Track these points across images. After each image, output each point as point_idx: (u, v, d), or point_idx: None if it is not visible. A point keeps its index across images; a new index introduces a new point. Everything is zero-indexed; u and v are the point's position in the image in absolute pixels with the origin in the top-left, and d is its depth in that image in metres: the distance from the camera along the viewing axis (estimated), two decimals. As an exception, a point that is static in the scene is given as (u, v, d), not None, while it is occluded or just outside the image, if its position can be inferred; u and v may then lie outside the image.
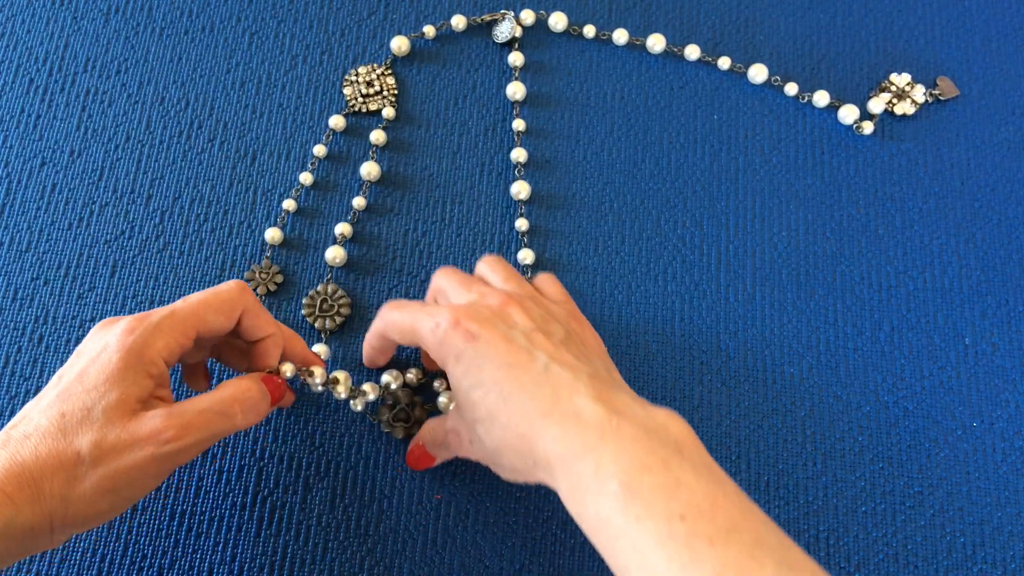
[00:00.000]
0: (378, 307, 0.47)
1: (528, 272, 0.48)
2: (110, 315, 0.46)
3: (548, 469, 0.32)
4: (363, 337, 0.46)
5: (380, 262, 0.48)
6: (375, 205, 0.49)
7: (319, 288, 0.47)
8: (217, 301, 0.36)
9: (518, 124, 0.51)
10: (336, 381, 0.41)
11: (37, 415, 0.32)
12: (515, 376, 0.33)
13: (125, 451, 0.32)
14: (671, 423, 0.32)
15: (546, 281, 0.43)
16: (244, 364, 0.40)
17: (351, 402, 0.42)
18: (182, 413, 0.33)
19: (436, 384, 0.45)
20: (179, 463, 0.34)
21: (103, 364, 0.33)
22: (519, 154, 0.50)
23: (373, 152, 0.50)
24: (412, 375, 0.44)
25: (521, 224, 0.49)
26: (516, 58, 0.52)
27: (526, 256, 0.47)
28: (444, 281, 0.40)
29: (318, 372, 0.40)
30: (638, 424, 0.31)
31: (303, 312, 0.46)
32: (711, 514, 0.28)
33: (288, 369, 0.39)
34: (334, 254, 0.47)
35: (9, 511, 0.30)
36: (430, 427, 0.40)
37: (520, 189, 0.49)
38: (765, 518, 0.30)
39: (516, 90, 0.51)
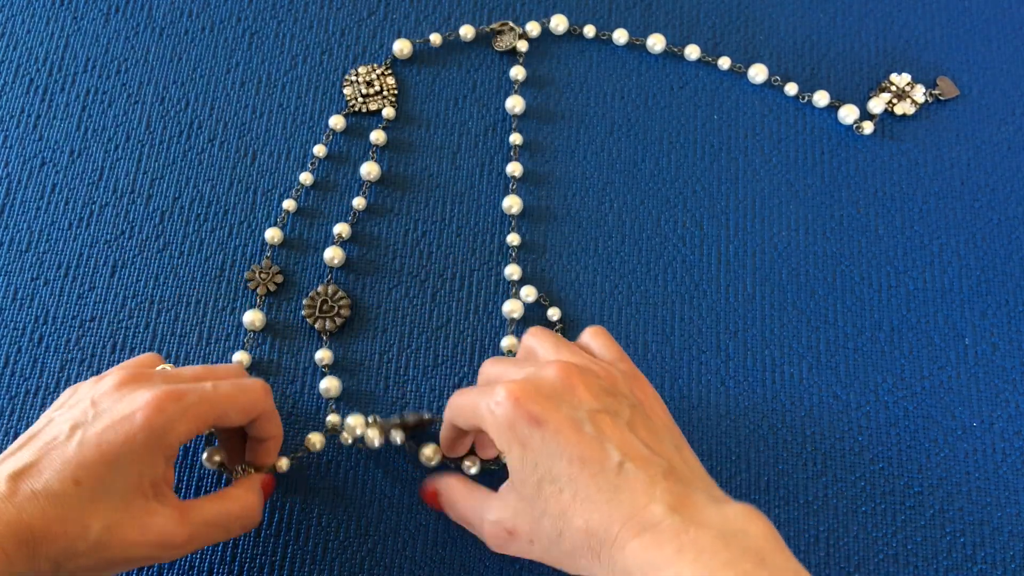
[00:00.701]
0: (378, 308, 0.47)
1: (515, 254, 0.48)
2: (110, 315, 0.46)
3: None
4: (362, 338, 0.46)
5: (380, 262, 0.48)
6: (375, 205, 0.49)
7: (319, 289, 0.47)
8: (242, 400, 0.36)
9: (515, 138, 0.50)
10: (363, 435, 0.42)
11: (49, 473, 0.31)
12: (591, 475, 0.31)
13: (130, 545, 0.32)
14: (751, 526, 0.30)
15: (597, 336, 0.39)
16: (238, 446, 0.41)
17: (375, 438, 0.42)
18: (191, 522, 0.34)
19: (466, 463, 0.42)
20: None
21: (126, 437, 0.32)
22: (515, 168, 0.49)
23: (373, 152, 0.50)
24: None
25: (513, 239, 0.49)
26: (518, 72, 0.52)
27: (513, 272, 0.47)
28: (494, 367, 0.38)
29: (284, 463, 0.41)
30: (716, 533, 0.30)
31: (303, 313, 0.46)
32: None
33: (284, 464, 0.41)
34: (332, 254, 0.47)
35: (3, 566, 0.29)
36: (462, 502, 0.37)
37: (512, 203, 0.48)
38: None
39: (515, 104, 0.51)
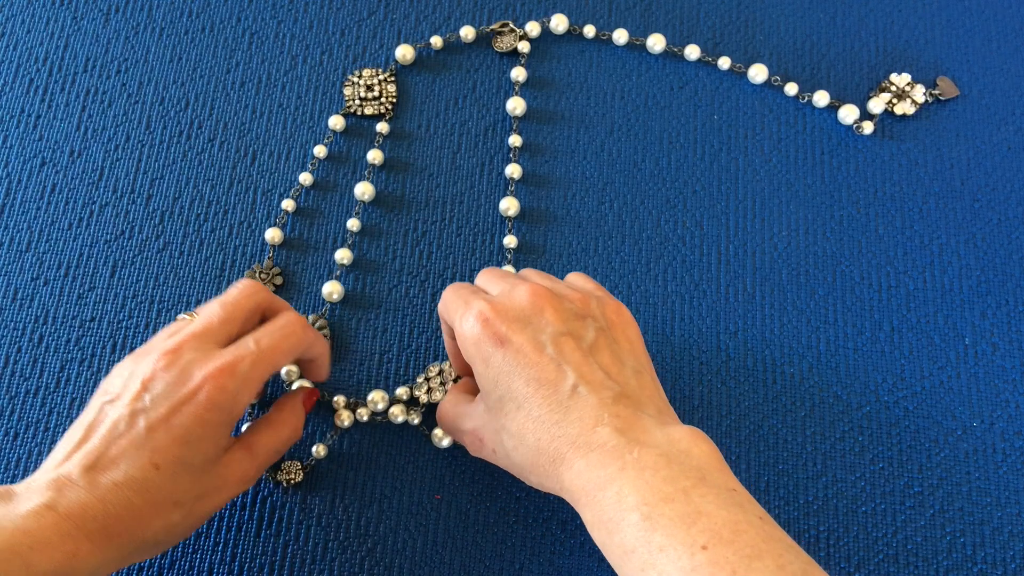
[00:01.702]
0: (378, 308, 0.47)
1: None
2: (110, 315, 0.46)
3: (573, 497, 0.32)
4: (363, 338, 0.47)
5: (380, 262, 0.48)
6: (375, 205, 0.49)
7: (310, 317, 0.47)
8: (286, 346, 0.37)
9: (515, 140, 0.50)
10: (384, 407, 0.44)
11: (125, 461, 0.32)
12: (544, 396, 0.33)
13: (215, 493, 0.35)
14: (694, 447, 0.31)
15: (578, 275, 0.41)
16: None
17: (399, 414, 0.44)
18: (257, 454, 0.37)
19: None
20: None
21: (196, 417, 0.33)
22: (513, 170, 0.49)
23: (369, 172, 0.50)
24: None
25: (510, 241, 0.49)
26: (519, 73, 0.52)
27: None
28: (482, 278, 0.39)
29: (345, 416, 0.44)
30: (659, 452, 0.31)
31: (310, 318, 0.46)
32: (733, 542, 0.28)
33: (323, 451, 0.43)
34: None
35: (97, 560, 0.30)
36: (449, 412, 0.40)
37: (509, 205, 0.48)
38: (790, 543, 0.29)
39: (516, 105, 0.51)
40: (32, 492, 0.31)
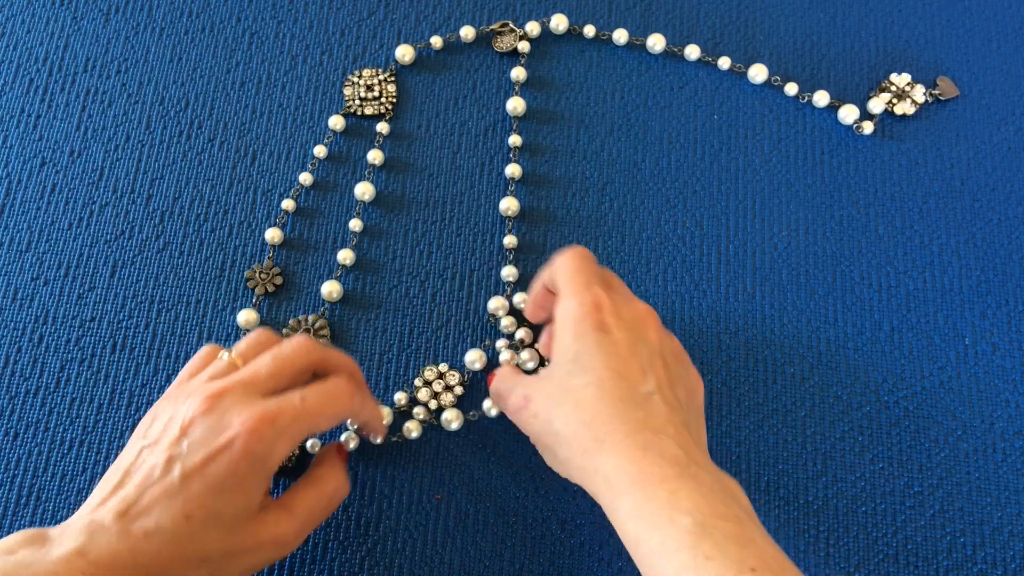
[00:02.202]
0: (378, 308, 0.47)
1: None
2: (110, 315, 0.46)
3: (609, 483, 0.32)
4: (363, 338, 0.47)
5: (380, 262, 0.48)
6: (375, 205, 0.49)
7: (305, 317, 0.47)
8: (332, 410, 0.35)
9: (514, 140, 0.50)
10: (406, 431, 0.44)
11: (157, 510, 0.31)
12: (620, 387, 0.34)
13: (247, 554, 0.33)
14: (740, 492, 0.34)
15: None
16: None
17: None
18: (298, 515, 0.35)
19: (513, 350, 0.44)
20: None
21: (229, 467, 0.32)
22: (514, 170, 0.49)
23: (370, 172, 0.50)
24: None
25: (510, 241, 0.49)
26: (519, 73, 0.52)
27: (510, 272, 0.47)
28: (608, 273, 0.40)
29: (352, 443, 0.43)
30: (715, 478, 0.32)
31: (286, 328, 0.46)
32: (780, 574, 0.29)
33: (353, 442, 0.43)
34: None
35: None
36: (504, 380, 0.40)
37: (509, 205, 0.48)
38: None
39: (516, 105, 0.51)
40: (66, 537, 0.31)
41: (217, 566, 0.33)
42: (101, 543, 0.31)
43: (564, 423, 0.35)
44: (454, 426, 0.43)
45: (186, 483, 0.32)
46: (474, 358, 0.45)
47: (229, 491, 0.32)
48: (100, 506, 0.32)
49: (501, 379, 0.41)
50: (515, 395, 0.38)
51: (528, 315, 0.44)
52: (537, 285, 0.42)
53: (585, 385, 0.34)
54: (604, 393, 0.34)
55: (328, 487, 0.37)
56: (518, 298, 0.46)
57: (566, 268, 0.38)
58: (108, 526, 0.31)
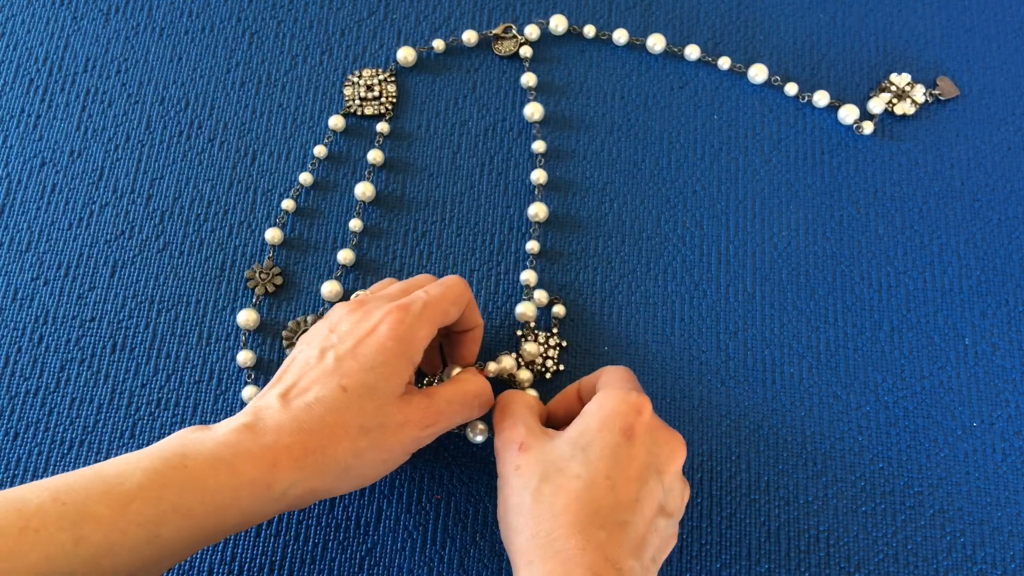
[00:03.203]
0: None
1: (534, 261, 0.48)
2: (110, 315, 0.46)
3: (517, 568, 0.34)
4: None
5: (380, 262, 0.48)
6: (375, 205, 0.49)
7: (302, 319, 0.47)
8: (453, 294, 0.39)
9: (539, 145, 0.50)
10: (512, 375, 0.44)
11: (316, 386, 0.34)
12: (604, 499, 0.34)
13: (398, 429, 0.35)
14: None
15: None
16: (434, 359, 0.44)
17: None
18: (437, 402, 0.37)
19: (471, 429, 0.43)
20: (422, 445, 0.37)
21: (379, 346, 0.35)
22: (539, 175, 0.49)
23: (369, 173, 0.50)
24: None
25: (532, 245, 0.49)
26: (529, 79, 0.52)
27: (530, 277, 0.47)
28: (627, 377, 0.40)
29: (492, 367, 0.42)
30: None
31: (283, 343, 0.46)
32: None
33: (492, 368, 0.42)
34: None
35: (294, 475, 0.32)
36: (515, 406, 0.39)
37: (537, 211, 0.48)
38: None
39: (534, 111, 0.51)
40: (231, 420, 0.34)
41: (375, 438, 0.34)
42: (267, 416, 0.33)
43: (536, 499, 0.34)
44: (479, 439, 0.42)
45: (340, 363, 0.35)
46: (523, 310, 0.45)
47: (379, 368, 0.35)
48: (262, 396, 0.35)
49: (514, 403, 0.39)
50: (515, 432, 0.37)
51: (550, 407, 0.43)
52: (572, 387, 0.42)
53: (576, 477, 0.34)
54: (587, 496, 0.34)
55: (469, 386, 0.39)
56: (536, 296, 0.47)
57: (620, 373, 0.39)
58: (271, 404, 0.34)
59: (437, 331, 0.38)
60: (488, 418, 0.42)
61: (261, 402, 0.35)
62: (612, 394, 0.37)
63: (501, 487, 0.37)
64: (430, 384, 0.43)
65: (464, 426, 0.42)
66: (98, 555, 0.29)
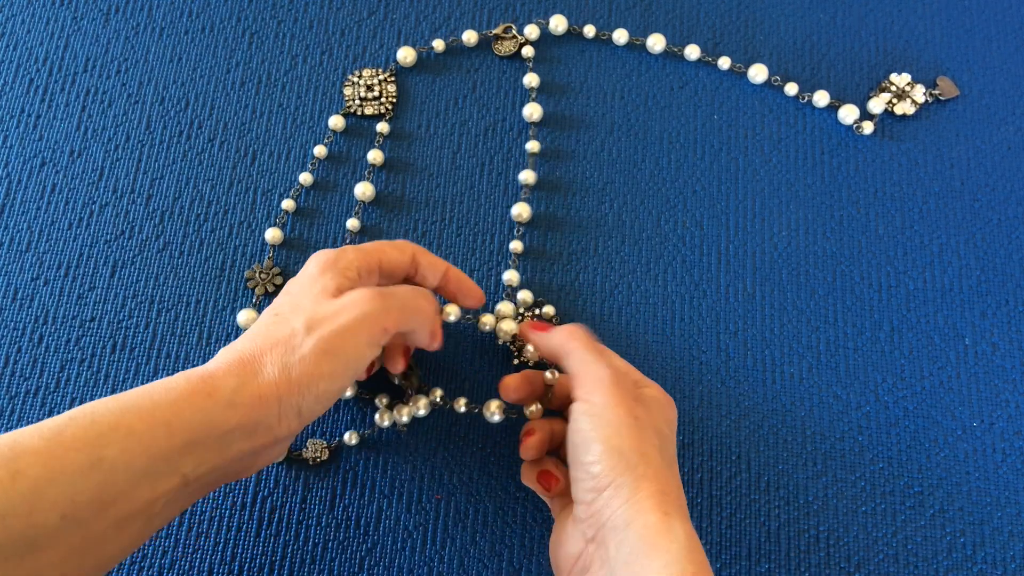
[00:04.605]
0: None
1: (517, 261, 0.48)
2: (110, 315, 0.46)
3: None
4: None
5: (380, 262, 0.48)
6: (375, 205, 0.49)
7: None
8: (392, 243, 0.40)
9: (532, 145, 0.50)
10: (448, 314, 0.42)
11: (252, 327, 0.36)
12: (623, 445, 0.35)
13: (334, 317, 0.35)
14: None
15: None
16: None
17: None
18: (377, 288, 0.37)
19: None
20: (382, 339, 0.36)
21: (304, 275, 0.37)
22: (528, 176, 0.49)
23: (369, 173, 0.50)
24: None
25: (516, 245, 0.49)
26: (532, 79, 0.52)
27: (512, 277, 0.47)
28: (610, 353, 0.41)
29: (452, 311, 0.42)
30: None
31: None
32: None
33: (449, 310, 0.42)
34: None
35: (235, 381, 0.33)
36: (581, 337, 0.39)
37: (520, 211, 0.48)
38: None
39: (533, 111, 0.51)
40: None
41: (307, 329, 0.34)
42: (206, 363, 0.34)
43: (585, 438, 0.35)
44: (496, 418, 0.42)
45: (273, 304, 0.37)
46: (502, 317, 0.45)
47: (307, 286, 0.36)
48: None
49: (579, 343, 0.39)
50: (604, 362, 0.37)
51: (513, 388, 0.41)
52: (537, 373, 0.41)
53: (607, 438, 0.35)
54: (607, 449, 0.35)
55: (420, 290, 0.39)
56: (520, 296, 0.47)
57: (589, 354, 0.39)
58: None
59: (376, 265, 0.38)
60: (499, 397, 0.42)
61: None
62: (603, 367, 0.37)
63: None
64: (400, 387, 0.43)
65: (480, 407, 0.42)
66: (39, 486, 0.28)
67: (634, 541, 0.32)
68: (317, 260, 0.38)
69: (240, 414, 0.32)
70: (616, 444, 0.34)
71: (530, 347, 0.41)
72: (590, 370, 0.37)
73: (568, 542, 0.36)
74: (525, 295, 0.46)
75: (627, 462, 0.34)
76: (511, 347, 0.46)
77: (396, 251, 0.39)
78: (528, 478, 0.40)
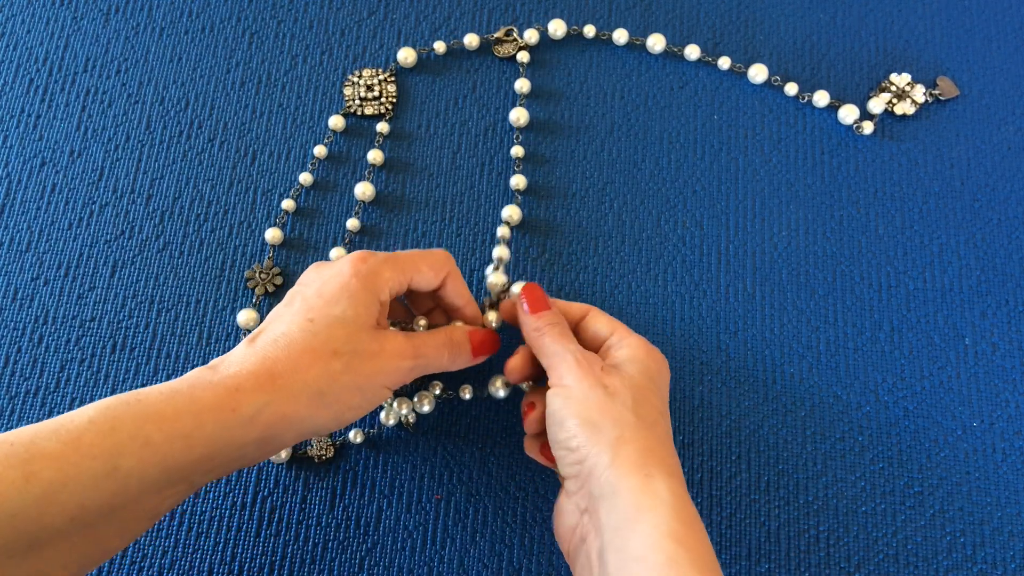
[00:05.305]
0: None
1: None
2: (110, 315, 0.46)
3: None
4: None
5: (380, 262, 0.48)
6: (375, 205, 0.49)
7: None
8: (430, 258, 0.39)
9: (516, 151, 0.50)
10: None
11: (280, 325, 0.35)
12: (637, 401, 0.36)
13: (373, 357, 0.35)
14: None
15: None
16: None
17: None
18: (415, 338, 0.37)
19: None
20: (400, 384, 0.37)
21: (341, 283, 0.36)
22: (518, 181, 0.49)
23: (369, 173, 0.50)
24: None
25: (511, 216, 0.49)
26: (523, 85, 0.52)
27: (503, 252, 0.47)
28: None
29: (492, 316, 0.43)
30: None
31: None
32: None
33: (492, 317, 0.43)
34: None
35: (263, 399, 0.32)
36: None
37: (511, 214, 0.48)
38: None
39: (519, 116, 0.51)
40: (204, 368, 0.34)
41: (348, 362, 0.34)
42: (228, 358, 0.34)
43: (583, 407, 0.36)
44: (501, 394, 0.43)
45: (305, 302, 0.36)
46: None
47: (345, 300, 0.35)
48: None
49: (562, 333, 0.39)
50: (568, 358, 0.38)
51: (518, 370, 0.41)
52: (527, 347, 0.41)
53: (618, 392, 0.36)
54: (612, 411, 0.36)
55: (453, 333, 0.40)
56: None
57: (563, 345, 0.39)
58: (236, 349, 0.35)
59: (408, 283, 0.38)
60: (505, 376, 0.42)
61: (231, 353, 0.35)
62: (567, 358, 0.38)
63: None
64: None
65: (486, 383, 0.43)
66: (52, 490, 0.28)
67: (621, 507, 0.33)
68: (355, 266, 0.37)
69: (260, 430, 0.32)
70: (587, 416, 0.35)
71: (491, 313, 0.43)
72: (557, 360, 0.38)
73: (566, 515, 0.37)
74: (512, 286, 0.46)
75: (600, 431, 0.34)
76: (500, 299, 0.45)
77: (431, 272, 0.39)
78: (531, 449, 0.41)
